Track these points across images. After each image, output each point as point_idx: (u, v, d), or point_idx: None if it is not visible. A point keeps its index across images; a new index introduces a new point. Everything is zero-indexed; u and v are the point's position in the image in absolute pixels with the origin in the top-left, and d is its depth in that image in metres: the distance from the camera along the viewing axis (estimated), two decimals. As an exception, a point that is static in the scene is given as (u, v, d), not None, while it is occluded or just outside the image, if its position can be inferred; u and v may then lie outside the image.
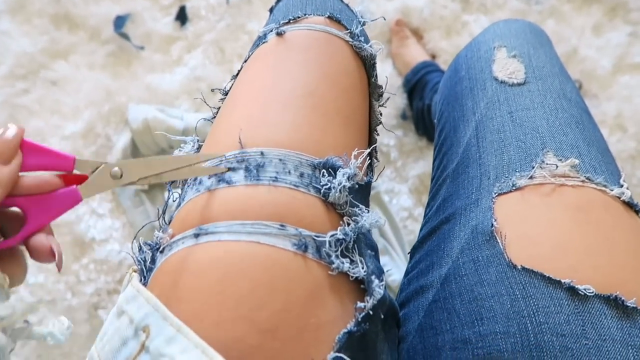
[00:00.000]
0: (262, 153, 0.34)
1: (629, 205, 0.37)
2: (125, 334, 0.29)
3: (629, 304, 0.31)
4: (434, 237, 0.40)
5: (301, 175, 0.34)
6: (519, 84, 0.44)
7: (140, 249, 0.34)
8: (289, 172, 0.33)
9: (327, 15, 0.44)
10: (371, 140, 0.45)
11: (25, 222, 0.30)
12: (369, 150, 0.38)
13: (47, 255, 0.30)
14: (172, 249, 0.32)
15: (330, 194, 0.34)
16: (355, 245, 0.36)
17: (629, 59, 1.04)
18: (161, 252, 0.33)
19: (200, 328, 0.27)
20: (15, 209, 0.31)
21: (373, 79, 0.45)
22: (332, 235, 0.33)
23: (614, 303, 0.31)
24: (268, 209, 0.32)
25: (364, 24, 0.46)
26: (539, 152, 0.39)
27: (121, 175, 0.31)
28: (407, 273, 0.44)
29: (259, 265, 0.30)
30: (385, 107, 0.46)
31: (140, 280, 0.33)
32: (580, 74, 1.04)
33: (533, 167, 0.38)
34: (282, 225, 0.32)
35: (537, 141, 0.40)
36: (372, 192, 0.78)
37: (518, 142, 0.40)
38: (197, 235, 0.31)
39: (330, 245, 0.33)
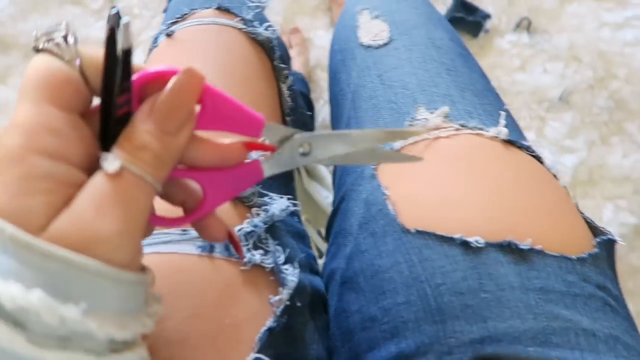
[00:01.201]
0: None
1: (510, 143, 0.35)
2: None
3: (523, 247, 0.30)
4: (337, 218, 0.39)
5: None
6: (384, 44, 0.43)
7: None
8: None
9: (215, 7, 0.43)
10: (285, 124, 0.44)
11: (203, 199, 0.25)
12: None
13: (223, 238, 0.26)
14: None
15: None
16: (269, 235, 0.35)
17: (575, -14, 1.01)
18: None
19: None
20: (191, 182, 0.25)
21: (275, 62, 0.43)
22: (239, 230, 0.33)
23: (508, 249, 0.30)
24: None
25: (257, 7, 0.45)
26: (410, 110, 0.38)
27: (310, 152, 0.25)
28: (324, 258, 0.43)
29: (160, 276, 0.30)
30: (294, 87, 0.45)
31: None
32: (528, 11, 1.01)
33: (407, 127, 0.36)
34: (184, 230, 0.32)
35: (408, 99, 0.38)
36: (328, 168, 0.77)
37: (390, 104, 0.39)
38: None
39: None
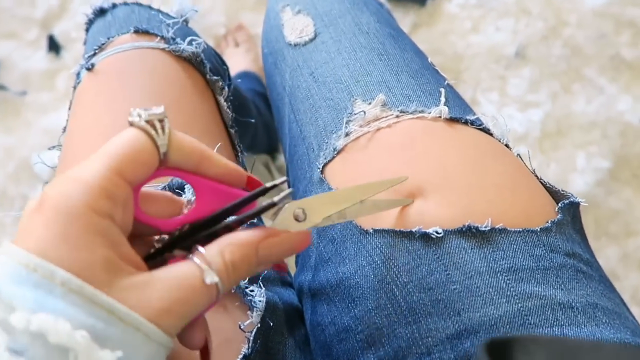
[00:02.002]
0: None
1: (455, 120, 0.34)
2: None
3: (483, 229, 0.28)
4: None
5: None
6: (311, 40, 0.41)
7: None
8: None
9: (132, 31, 0.41)
10: (230, 136, 0.42)
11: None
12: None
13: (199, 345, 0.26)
14: None
15: None
16: None
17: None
18: None
19: None
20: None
21: (208, 76, 0.41)
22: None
23: (469, 233, 0.29)
24: None
25: (175, 24, 0.42)
26: (347, 104, 0.36)
27: (305, 218, 0.26)
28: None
29: None
30: (231, 98, 0.43)
31: None
32: (471, -30, 1.00)
33: (345, 123, 0.35)
34: None
35: (343, 92, 0.37)
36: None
37: (327, 101, 0.37)
38: None
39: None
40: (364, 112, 0.34)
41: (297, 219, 0.25)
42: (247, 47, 0.97)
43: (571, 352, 0.18)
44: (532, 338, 0.23)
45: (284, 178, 0.26)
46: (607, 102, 0.91)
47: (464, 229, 0.28)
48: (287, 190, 0.25)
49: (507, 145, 0.35)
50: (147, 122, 0.22)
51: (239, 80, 0.89)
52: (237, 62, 0.94)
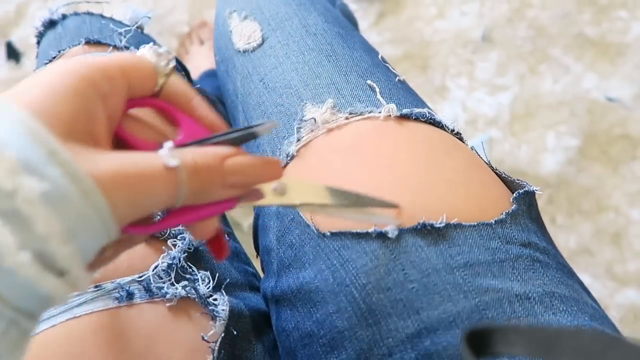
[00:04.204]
0: None
1: (405, 117, 0.34)
2: None
3: (438, 225, 0.28)
4: (259, 236, 0.38)
5: None
6: (259, 46, 0.40)
7: None
8: None
9: (83, 42, 0.40)
10: None
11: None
12: None
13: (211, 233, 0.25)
14: None
15: None
16: (194, 263, 0.33)
17: None
18: None
19: None
20: None
21: None
22: (154, 268, 0.32)
23: (425, 231, 0.29)
24: None
25: (128, 32, 0.42)
26: (297, 109, 0.36)
27: (284, 193, 0.26)
28: None
29: (77, 341, 0.29)
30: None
31: None
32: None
33: (297, 129, 0.35)
34: (96, 287, 0.31)
35: (293, 97, 0.36)
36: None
37: (277, 107, 0.37)
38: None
39: (158, 278, 0.32)
40: (314, 119, 0.34)
41: (275, 192, 0.26)
42: (211, 44, 0.96)
43: (551, 339, 0.18)
44: (512, 327, 0.23)
45: (274, 121, 0.27)
46: (574, 81, 0.92)
47: (419, 226, 0.28)
48: (271, 121, 0.26)
49: (458, 135, 0.35)
50: (156, 53, 0.24)
51: (205, 79, 0.87)
52: (203, 60, 0.93)
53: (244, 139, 0.24)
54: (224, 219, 0.43)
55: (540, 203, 0.86)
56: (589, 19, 0.94)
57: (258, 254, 0.39)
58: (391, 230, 0.28)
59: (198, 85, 0.87)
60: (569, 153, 0.89)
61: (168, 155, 0.20)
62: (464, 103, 0.94)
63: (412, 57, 0.97)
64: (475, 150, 0.36)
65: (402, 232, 0.29)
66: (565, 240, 0.87)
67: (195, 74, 0.90)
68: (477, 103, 0.94)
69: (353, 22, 0.56)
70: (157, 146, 0.22)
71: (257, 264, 0.42)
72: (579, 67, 0.93)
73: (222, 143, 0.23)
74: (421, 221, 0.28)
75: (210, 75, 0.90)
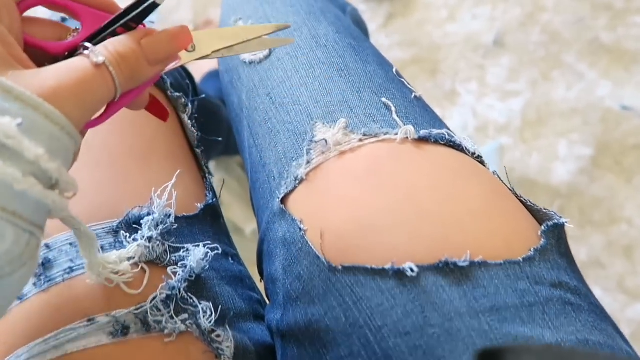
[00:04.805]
0: (47, 246, 0.30)
1: (423, 140, 0.31)
2: None
3: (461, 264, 0.26)
4: (263, 261, 0.35)
5: (101, 249, 0.31)
6: (266, 57, 0.38)
7: None
8: None
9: None
10: (196, 157, 0.39)
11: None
12: (172, 182, 0.32)
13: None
14: None
15: (140, 254, 0.30)
16: (197, 291, 0.31)
17: None
18: None
19: None
20: None
21: (168, 93, 0.38)
22: (152, 300, 0.30)
23: (447, 269, 0.26)
24: (69, 309, 0.29)
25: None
26: (307, 128, 0.33)
27: (194, 49, 0.29)
28: None
29: None
30: (196, 116, 0.40)
31: None
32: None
33: (306, 151, 0.32)
34: (90, 320, 0.29)
35: (302, 115, 0.34)
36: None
37: (285, 125, 0.34)
38: None
39: (157, 310, 0.30)
40: (326, 141, 0.31)
41: (186, 50, 0.28)
42: None
43: (564, 359, 0.17)
44: (525, 347, 0.21)
45: None
46: (587, 88, 0.90)
47: (440, 264, 0.26)
48: None
49: (479, 159, 0.33)
50: None
51: (209, 80, 0.85)
52: (207, 60, 0.90)
53: (148, 11, 0.25)
54: (226, 238, 0.40)
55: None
56: (604, 24, 0.92)
57: (262, 278, 0.37)
58: (410, 268, 0.26)
59: (209, 81, 0.84)
60: (581, 162, 0.87)
61: (92, 54, 0.22)
62: (474, 109, 0.91)
63: (421, 61, 0.94)
64: (487, 165, 0.33)
65: (421, 270, 0.26)
66: (576, 252, 0.85)
67: (198, 74, 0.87)
68: (487, 109, 0.91)
69: (364, 30, 0.54)
70: (69, 45, 0.25)
71: (261, 286, 0.40)
72: (593, 74, 0.90)
73: (129, 22, 0.25)
74: (443, 259, 0.26)
75: (214, 76, 0.88)
